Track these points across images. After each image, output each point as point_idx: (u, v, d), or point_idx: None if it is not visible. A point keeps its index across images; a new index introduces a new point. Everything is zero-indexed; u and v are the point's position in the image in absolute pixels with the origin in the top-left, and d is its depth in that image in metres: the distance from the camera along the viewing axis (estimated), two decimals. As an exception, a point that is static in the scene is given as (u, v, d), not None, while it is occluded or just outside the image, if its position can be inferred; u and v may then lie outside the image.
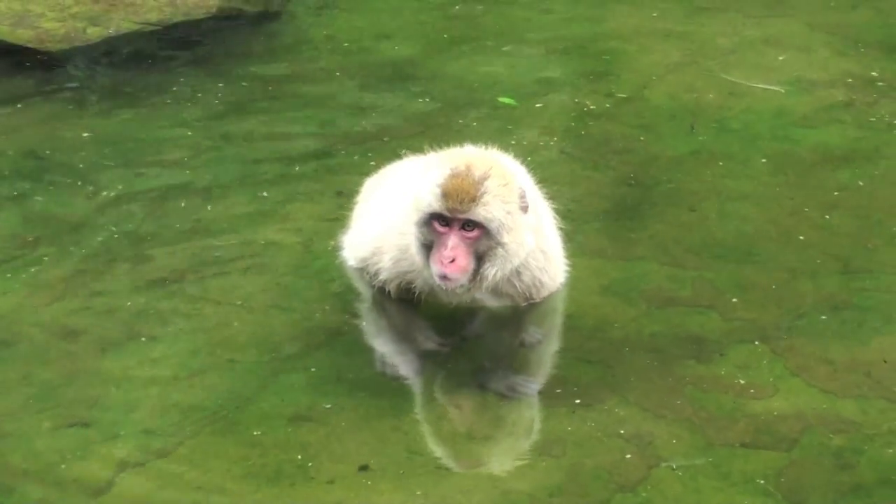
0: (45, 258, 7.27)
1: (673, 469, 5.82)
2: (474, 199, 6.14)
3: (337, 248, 7.11)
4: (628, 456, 5.90)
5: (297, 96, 8.99)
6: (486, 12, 10.06)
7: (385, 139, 8.37)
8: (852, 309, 6.78)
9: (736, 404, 6.18)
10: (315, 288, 7.00)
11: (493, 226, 6.18)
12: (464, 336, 6.64)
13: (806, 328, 6.66)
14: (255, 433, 6.07)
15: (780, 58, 9.30)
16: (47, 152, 8.30)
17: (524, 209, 6.27)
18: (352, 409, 6.19)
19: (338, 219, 7.29)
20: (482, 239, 6.21)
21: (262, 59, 9.48)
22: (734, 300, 6.85)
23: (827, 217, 7.52)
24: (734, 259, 7.19)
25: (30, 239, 7.45)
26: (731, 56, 9.34)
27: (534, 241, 6.38)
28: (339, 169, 8.07)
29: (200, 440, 6.03)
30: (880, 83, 8.94)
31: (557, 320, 6.75)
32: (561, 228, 6.82)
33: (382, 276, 6.68)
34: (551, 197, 6.84)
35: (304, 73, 9.29)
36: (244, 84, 9.14)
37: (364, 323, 6.78)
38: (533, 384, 6.34)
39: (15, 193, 7.88)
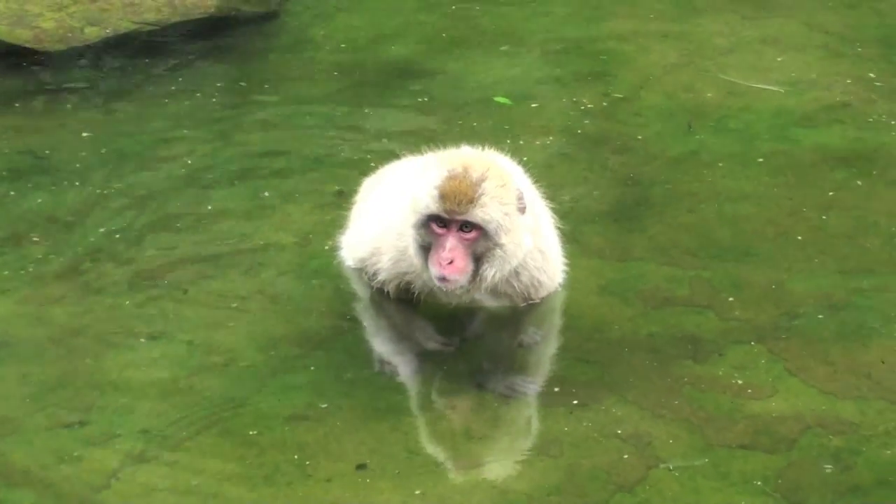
0: (43, 257, 7.26)
1: (670, 470, 5.82)
2: (472, 201, 6.15)
3: (335, 249, 7.11)
4: (626, 456, 5.90)
5: (295, 96, 8.99)
6: (484, 12, 10.06)
7: (383, 139, 8.37)
8: (850, 309, 6.79)
9: (734, 405, 6.18)
10: (313, 288, 7.00)
11: (490, 227, 6.19)
12: (463, 336, 6.64)
13: (804, 328, 6.66)
14: (251, 433, 6.07)
15: (778, 58, 9.30)
16: (47, 152, 8.30)
17: (522, 210, 6.28)
18: (350, 409, 6.19)
19: (336, 219, 7.29)
20: (480, 240, 6.22)
21: (261, 59, 9.48)
22: (731, 300, 6.86)
23: (824, 217, 7.53)
24: (732, 259, 7.19)
25: (28, 238, 7.44)
26: (729, 56, 9.34)
27: (531, 241, 6.39)
28: (338, 168, 8.07)
29: (198, 440, 6.03)
30: (878, 83, 8.94)
31: (556, 320, 6.75)
32: (559, 228, 6.82)
33: (381, 277, 6.68)
34: (549, 197, 6.84)
35: (303, 73, 9.28)
36: (242, 84, 9.14)
37: (362, 323, 6.78)
38: (531, 384, 6.34)
39: (13, 193, 7.88)
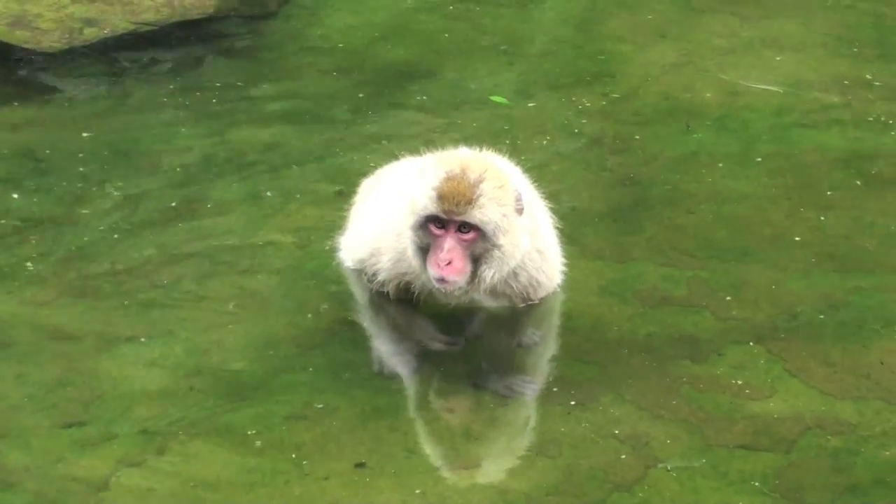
0: (42, 257, 7.26)
1: (668, 470, 5.82)
2: (470, 202, 6.15)
3: (334, 249, 7.11)
4: (624, 456, 5.90)
5: (294, 96, 8.98)
6: (483, 13, 10.06)
7: (382, 140, 8.37)
8: (849, 309, 6.79)
9: (733, 405, 6.18)
10: (312, 288, 7.00)
11: (489, 228, 6.19)
12: (462, 336, 6.64)
13: (802, 328, 6.66)
14: (250, 432, 6.07)
15: (777, 58, 9.30)
16: (47, 152, 8.29)
17: (520, 211, 6.28)
18: (348, 409, 6.19)
19: (336, 219, 7.29)
20: (478, 241, 6.22)
21: (259, 59, 9.47)
22: (729, 300, 6.86)
23: (823, 217, 7.53)
24: (730, 259, 7.19)
25: (27, 238, 7.44)
26: (728, 56, 9.34)
27: (530, 242, 6.39)
28: (337, 169, 8.07)
29: (196, 440, 6.03)
30: (876, 84, 8.94)
31: (554, 321, 6.75)
32: (557, 228, 6.82)
33: (381, 277, 6.68)
34: (547, 198, 6.84)
35: (301, 73, 9.28)
36: (241, 84, 9.13)
37: (360, 323, 6.78)
38: (530, 384, 6.35)
39: (12, 194, 7.87)
